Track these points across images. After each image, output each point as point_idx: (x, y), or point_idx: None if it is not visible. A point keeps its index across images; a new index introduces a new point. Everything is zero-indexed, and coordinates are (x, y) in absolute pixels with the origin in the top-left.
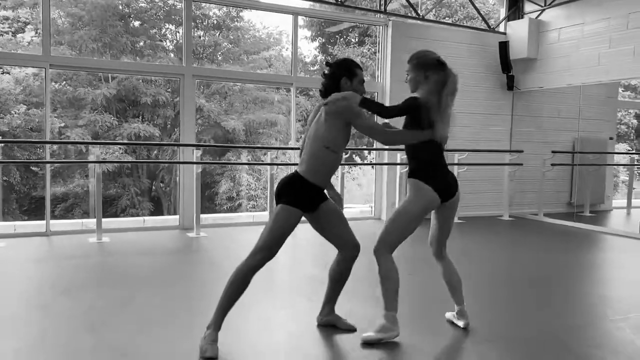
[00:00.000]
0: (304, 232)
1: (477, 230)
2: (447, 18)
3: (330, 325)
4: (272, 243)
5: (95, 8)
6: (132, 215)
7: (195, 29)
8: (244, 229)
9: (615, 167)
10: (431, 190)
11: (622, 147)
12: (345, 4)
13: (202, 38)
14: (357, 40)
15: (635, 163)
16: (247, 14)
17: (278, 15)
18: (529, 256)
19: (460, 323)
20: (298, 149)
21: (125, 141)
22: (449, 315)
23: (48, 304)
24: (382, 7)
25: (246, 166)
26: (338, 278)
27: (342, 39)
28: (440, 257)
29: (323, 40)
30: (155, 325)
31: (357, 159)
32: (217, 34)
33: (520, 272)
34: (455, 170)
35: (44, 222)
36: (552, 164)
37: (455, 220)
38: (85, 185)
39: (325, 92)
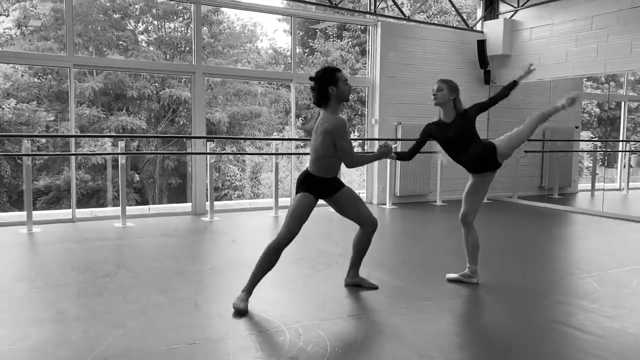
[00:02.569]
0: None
1: (455, 211)
2: (421, 13)
3: (356, 284)
4: (294, 224)
5: (80, 4)
6: (116, 206)
7: (176, 23)
8: (249, 213)
9: (581, 153)
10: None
11: (585, 134)
12: (338, 6)
13: (184, 32)
14: (335, 34)
15: (598, 149)
16: (225, 9)
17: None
18: (508, 231)
19: (474, 280)
20: (298, 139)
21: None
22: (452, 276)
23: (122, 274)
24: (372, 9)
25: (231, 157)
26: (359, 249)
27: (321, 33)
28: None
29: (301, 33)
30: (211, 287)
31: None
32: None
33: (501, 243)
34: (438, 158)
35: (69, 210)
36: (525, 151)
37: (439, 203)
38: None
39: (318, 103)
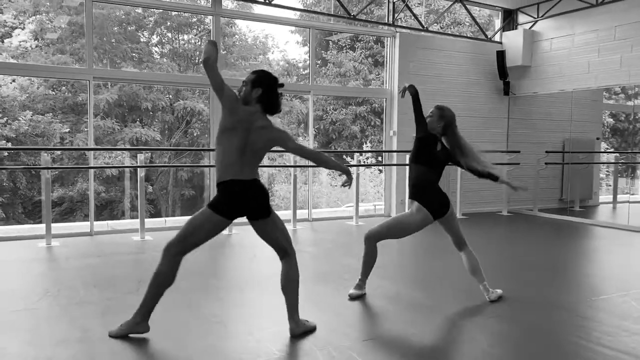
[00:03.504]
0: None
1: (480, 225)
2: (434, 24)
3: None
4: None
5: (96, 18)
6: (133, 218)
7: (191, 35)
8: None
9: (602, 165)
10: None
11: (601, 146)
12: (356, 18)
13: (198, 44)
14: (348, 45)
15: (621, 161)
16: (238, 20)
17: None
18: (534, 246)
19: (489, 295)
20: (325, 151)
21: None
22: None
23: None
24: (391, 20)
25: None
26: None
27: (333, 44)
28: (461, 249)
29: (314, 45)
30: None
31: (352, 162)
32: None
33: (529, 259)
34: (457, 170)
35: (87, 223)
36: (546, 163)
37: (459, 216)
38: (88, 188)
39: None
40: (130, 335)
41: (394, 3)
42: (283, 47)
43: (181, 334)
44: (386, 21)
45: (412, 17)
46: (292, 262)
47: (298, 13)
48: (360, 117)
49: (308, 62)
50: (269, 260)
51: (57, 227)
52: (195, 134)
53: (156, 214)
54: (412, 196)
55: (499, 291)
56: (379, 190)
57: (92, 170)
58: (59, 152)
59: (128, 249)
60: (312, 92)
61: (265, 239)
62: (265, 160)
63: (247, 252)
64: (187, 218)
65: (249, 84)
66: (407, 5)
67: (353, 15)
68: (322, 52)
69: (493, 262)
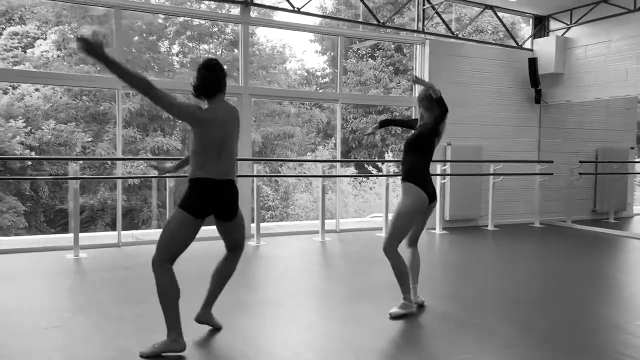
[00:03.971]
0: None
1: (514, 237)
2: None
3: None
4: None
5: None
6: (155, 228)
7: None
8: (292, 237)
9: (636, 175)
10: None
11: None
12: (386, 25)
13: (218, 53)
14: (368, 54)
15: None
16: (258, 30)
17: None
18: (570, 260)
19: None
20: (352, 160)
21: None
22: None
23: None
24: (420, 27)
25: (264, 177)
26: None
27: (354, 53)
28: (413, 245)
29: (333, 53)
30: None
31: (373, 171)
32: (234, 50)
33: (576, 275)
34: (490, 180)
35: (114, 233)
36: (580, 173)
37: (491, 228)
38: (111, 197)
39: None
40: (164, 354)
41: (423, 10)
42: (300, 56)
43: (222, 356)
44: (415, 28)
45: (440, 24)
46: (238, 257)
47: (315, 20)
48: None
49: (327, 70)
50: (301, 273)
51: (83, 238)
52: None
53: None
54: (408, 179)
55: (422, 299)
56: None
57: (119, 180)
58: (81, 162)
59: None
60: (340, 101)
61: (225, 236)
62: (284, 169)
63: (277, 264)
64: (212, 228)
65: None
66: (437, 13)
67: (382, 22)
68: (342, 60)
69: (533, 277)
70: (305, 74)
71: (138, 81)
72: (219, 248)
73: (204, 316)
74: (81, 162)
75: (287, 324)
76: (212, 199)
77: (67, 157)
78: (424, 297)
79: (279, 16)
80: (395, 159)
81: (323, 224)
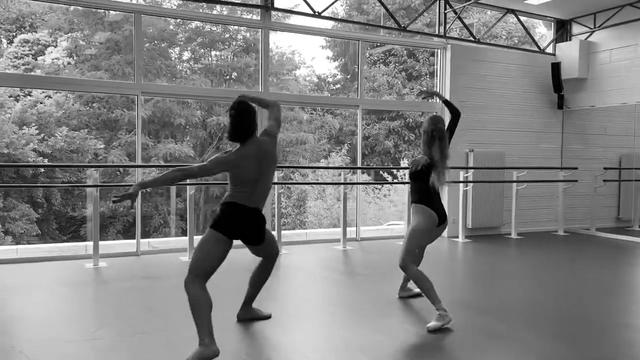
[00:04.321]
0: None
1: (540, 246)
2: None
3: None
4: None
5: (131, 34)
6: (166, 235)
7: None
8: (313, 246)
9: None
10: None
11: None
12: (407, 29)
13: (231, 59)
14: (381, 59)
15: None
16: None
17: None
18: (604, 270)
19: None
20: (371, 167)
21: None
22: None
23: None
24: (442, 32)
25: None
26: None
27: (367, 59)
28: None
29: (344, 60)
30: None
31: (389, 178)
32: (245, 56)
33: (601, 283)
34: (513, 187)
35: (132, 241)
36: (605, 180)
37: (514, 236)
38: (122, 205)
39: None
40: None
41: (445, 14)
42: (310, 62)
43: None
44: (436, 32)
45: (461, 28)
46: (274, 262)
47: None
48: (393, 132)
49: (338, 76)
50: (328, 283)
51: (102, 246)
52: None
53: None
54: (419, 201)
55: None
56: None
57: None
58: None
59: (178, 271)
60: (361, 106)
61: (258, 254)
62: (297, 177)
63: (305, 274)
64: None
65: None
66: (459, 17)
67: (403, 26)
68: (355, 67)
69: (562, 287)
70: (316, 80)
71: (173, 178)
72: (252, 257)
73: (244, 313)
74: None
75: (325, 339)
76: (241, 223)
77: (90, 165)
78: (451, 307)
79: (294, 20)
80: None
81: (345, 233)
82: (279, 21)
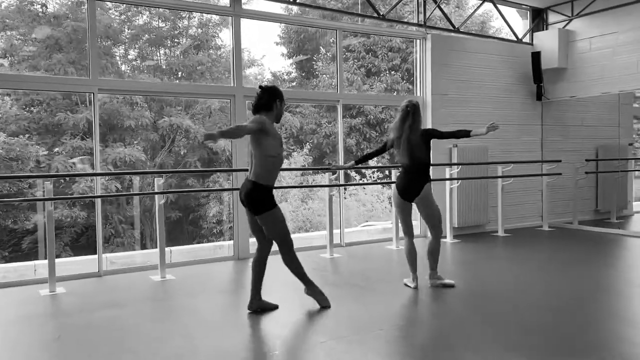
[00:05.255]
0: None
1: (528, 244)
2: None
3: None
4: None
5: (75, 31)
6: (118, 245)
7: (173, 49)
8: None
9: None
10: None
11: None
12: (387, 18)
13: (181, 58)
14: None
15: None
16: (224, 34)
17: (257, 31)
18: (592, 267)
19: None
20: (373, 167)
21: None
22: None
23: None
24: (423, 20)
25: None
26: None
27: (327, 55)
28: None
29: (302, 56)
30: None
31: (357, 177)
32: (197, 53)
33: (596, 281)
34: (498, 183)
35: (94, 257)
36: (586, 172)
37: (501, 234)
38: (69, 215)
39: (258, 109)
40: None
41: (424, 1)
42: (260, 61)
43: None
44: (415, 21)
45: (440, 18)
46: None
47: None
48: (355, 130)
49: (293, 74)
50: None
51: (60, 265)
52: (182, 153)
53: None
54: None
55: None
56: (387, 207)
57: (99, 200)
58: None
59: (151, 294)
60: (342, 101)
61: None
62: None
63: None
64: (199, 247)
65: (281, 101)
66: (438, 6)
67: (382, 15)
68: (314, 63)
69: (563, 286)
70: (272, 78)
71: (243, 128)
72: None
73: (255, 304)
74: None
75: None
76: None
77: (39, 175)
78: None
79: (255, 5)
80: (380, 164)
81: (331, 239)
82: (251, 8)
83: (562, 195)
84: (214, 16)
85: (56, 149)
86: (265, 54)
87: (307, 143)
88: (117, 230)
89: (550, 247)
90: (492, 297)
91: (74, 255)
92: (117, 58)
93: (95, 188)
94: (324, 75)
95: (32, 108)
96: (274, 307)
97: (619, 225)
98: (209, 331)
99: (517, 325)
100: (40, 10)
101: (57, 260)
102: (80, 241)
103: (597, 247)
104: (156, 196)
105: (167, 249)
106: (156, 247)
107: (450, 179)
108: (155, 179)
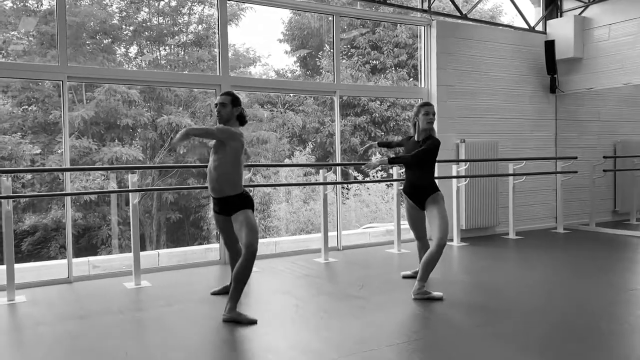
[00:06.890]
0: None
1: (543, 248)
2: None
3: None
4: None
5: (69, 27)
6: (114, 247)
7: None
8: (284, 260)
9: None
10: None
11: None
12: (387, 3)
13: (181, 54)
14: (344, 52)
15: None
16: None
17: (260, 29)
18: (615, 274)
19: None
20: (352, 164)
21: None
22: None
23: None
24: (427, 6)
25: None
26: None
27: (330, 52)
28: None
29: (305, 53)
30: None
31: (359, 177)
32: (198, 50)
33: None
34: (510, 181)
35: (62, 262)
36: (605, 170)
37: (512, 236)
38: (63, 216)
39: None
40: None
41: None
42: (266, 60)
43: None
44: (420, 7)
45: (451, 2)
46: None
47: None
48: (359, 129)
49: (297, 72)
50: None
51: (24, 270)
52: (181, 152)
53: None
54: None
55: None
56: (392, 208)
57: (69, 198)
58: (29, 177)
59: (124, 303)
60: (339, 92)
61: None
62: (259, 178)
63: (289, 302)
64: (185, 250)
65: (229, 105)
66: None
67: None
68: (317, 60)
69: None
70: (275, 76)
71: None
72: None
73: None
74: (29, 177)
75: None
76: None
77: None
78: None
79: None
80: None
81: (326, 243)
82: None
83: (578, 195)
84: (214, 12)
85: (53, 148)
86: (269, 52)
87: (310, 142)
88: (114, 231)
89: (565, 251)
90: (503, 310)
91: (74, 257)
92: (118, 55)
93: (65, 184)
94: (328, 72)
95: (32, 107)
96: (252, 322)
97: (639, 227)
98: (174, 351)
99: (534, 341)
100: (35, 6)
101: (23, 265)
102: (81, 242)
103: (616, 251)
104: (130, 194)
105: (155, 252)
106: (153, 250)
107: (458, 177)
108: (130, 175)
